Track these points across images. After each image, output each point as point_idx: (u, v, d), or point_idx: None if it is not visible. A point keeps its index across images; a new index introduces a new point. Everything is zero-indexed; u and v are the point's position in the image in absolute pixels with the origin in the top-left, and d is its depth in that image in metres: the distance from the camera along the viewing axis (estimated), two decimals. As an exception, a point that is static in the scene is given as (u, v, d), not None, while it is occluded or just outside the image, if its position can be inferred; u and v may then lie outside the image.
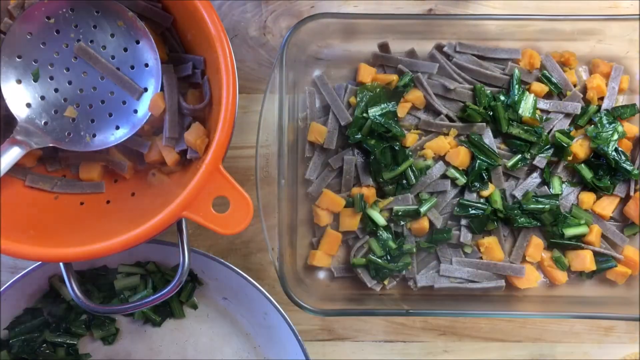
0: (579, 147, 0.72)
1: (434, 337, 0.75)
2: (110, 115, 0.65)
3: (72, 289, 0.61)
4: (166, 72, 0.64)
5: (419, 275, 0.72)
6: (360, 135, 0.71)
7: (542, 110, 0.73)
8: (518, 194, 0.73)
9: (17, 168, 0.65)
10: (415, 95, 0.72)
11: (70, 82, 0.64)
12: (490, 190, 0.72)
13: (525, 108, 0.72)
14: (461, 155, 0.71)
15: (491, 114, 0.72)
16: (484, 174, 0.72)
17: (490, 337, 0.76)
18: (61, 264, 0.61)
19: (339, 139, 0.73)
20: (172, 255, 0.71)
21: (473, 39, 0.73)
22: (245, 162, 0.75)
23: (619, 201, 0.73)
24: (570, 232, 0.71)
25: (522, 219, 0.71)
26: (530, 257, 0.72)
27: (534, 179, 0.73)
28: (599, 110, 0.73)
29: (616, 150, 0.72)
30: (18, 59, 0.63)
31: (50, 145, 0.64)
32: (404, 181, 0.72)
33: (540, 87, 0.73)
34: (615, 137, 0.72)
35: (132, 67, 0.64)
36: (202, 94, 0.65)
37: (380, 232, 0.72)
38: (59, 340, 0.72)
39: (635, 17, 0.69)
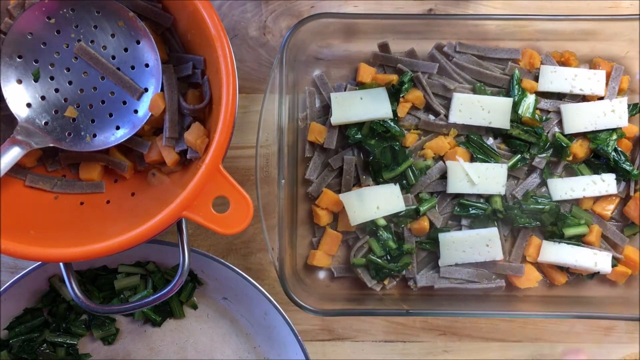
0: (579, 147, 0.72)
1: (434, 337, 0.75)
2: (111, 115, 0.65)
3: (72, 289, 0.61)
4: (166, 72, 0.64)
5: (419, 275, 0.72)
6: (360, 135, 0.71)
7: (542, 110, 0.73)
8: (518, 194, 0.73)
9: (17, 168, 0.65)
10: (415, 95, 0.72)
11: (70, 82, 0.64)
12: (490, 190, 0.72)
13: (525, 108, 0.72)
14: (461, 156, 0.71)
15: (491, 114, 0.73)
16: (484, 174, 0.72)
17: (490, 337, 0.76)
18: (61, 264, 0.61)
19: (339, 139, 0.73)
20: (172, 255, 0.71)
21: (473, 39, 0.73)
22: (245, 162, 0.75)
23: (619, 201, 0.73)
24: (570, 232, 0.71)
25: (522, 219, 0.71)
26: (530, 256, 0.72)
27: (534, 179, 0.73)
28: (599, 110, 0.73)
29: (616, 150, 0.72)
30: (18, 59, 0.63)
31: (51, 145, 0.64)
32: (404, 181, 0.72)
33: (540, 87, 0.73)
34: (615, 137, 0.72)
35: (133, 67, 0.64)
36: (202, 94, 0.65)
37: (380, 232, 0.72)
38: (59, 340, 0.72)
39: (635, 17, 0.69)
